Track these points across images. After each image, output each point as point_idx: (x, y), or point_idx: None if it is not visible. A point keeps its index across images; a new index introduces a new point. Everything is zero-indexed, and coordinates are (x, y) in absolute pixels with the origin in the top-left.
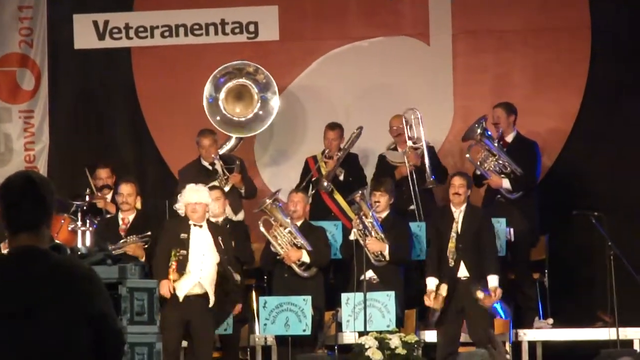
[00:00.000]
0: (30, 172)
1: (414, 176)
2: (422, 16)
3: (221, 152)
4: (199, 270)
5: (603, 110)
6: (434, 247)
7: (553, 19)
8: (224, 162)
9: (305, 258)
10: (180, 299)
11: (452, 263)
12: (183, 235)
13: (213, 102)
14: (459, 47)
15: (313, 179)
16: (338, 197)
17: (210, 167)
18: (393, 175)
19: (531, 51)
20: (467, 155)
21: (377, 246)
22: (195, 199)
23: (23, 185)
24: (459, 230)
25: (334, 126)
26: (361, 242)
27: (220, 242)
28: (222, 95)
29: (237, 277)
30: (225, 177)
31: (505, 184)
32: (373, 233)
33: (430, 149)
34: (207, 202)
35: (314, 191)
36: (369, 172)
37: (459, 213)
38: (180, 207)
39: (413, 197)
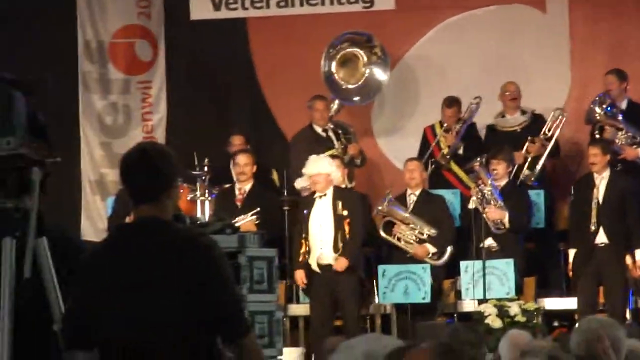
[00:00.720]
0: (146, 143)
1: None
2: None
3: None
4: (319, 242)
5: None
6: (575, 217)
7: None
8: (340, 129)
9: (432, 249)
10: (318, 271)
11: (593, 228)
12: (305, 212)
13: (328, 71)
14: (576, 15)
15: (432, 159)
16: (455, 168)
17: (323, 134)
18: (506, 142)
19: None
20: (597, 136)
21: (496, 214)
22: (315, 170)
23: (138, 157)
24: (601, 197)
25: (451, 103)
26: (480, 210)
27: (340, 206)
28: (334, 61)
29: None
30: (343, 145)
31: None
32: (492, 201)
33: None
34: (328, 172)
35: (433, 166)
36: None
37: (600, 179)
38: (301, 183)
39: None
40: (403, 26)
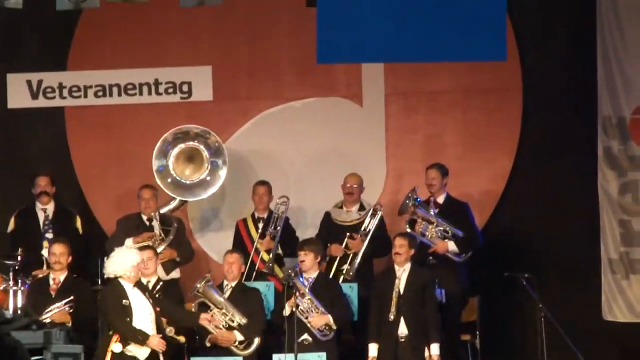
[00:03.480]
0: None
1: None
2: (354, 78)
3: (163, 210)
4: (151, 330)
5: (534, 171)
6: (376, 309)
7: (485, 81)
8: (162, 221)
9: (240, 337)
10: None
11: (391, 318)
12: (125, 302)
13: (163, 169)
14: (391, 108)
15: (255, 269)
16: (277, 270)
17: (147, 223)
18: (338, 234)
19: (462, 113)
20: (408, 229)
21: (321, 321)
22: (138, 259)
23: None
24: (401, 288)
25: (263, 182)
26: (302, 319)
27: (148, 298)
28: (171, 157)
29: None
30: (161, 237)
31: (452, 246)
32: (313, 309)
33: (381, 224)
34: (134, 263)
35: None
36: (302, 232)
37: (402, 271)
38: (117, 271)
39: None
40: (221, 117)
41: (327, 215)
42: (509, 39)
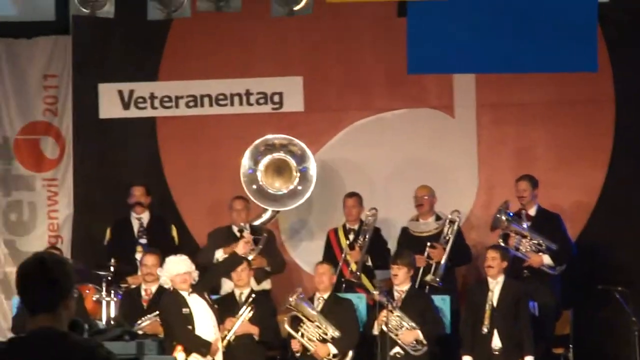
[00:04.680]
0: (44, 253)
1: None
2: (446, 89)
3: (255, 222)
4: (214, 335)
5: (627, 184)
6: (469, 321)
7: (576, 92)
8: (253, 232)
9: (333, 350)
10: None
11: (485, 331)
12: (185, 310)
13: (252, 173)
14: (483, 119)
15: (342, 278)
16: (365, 282)
17: (238, 234)
18: (417, 246)
19: (554, 124)
20: (502, 244)
21: (410, 336)
22: (184, 269)
23: (35, 267)
24: (495, 301)
25: (352, 194)
26: (392, 336)
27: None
28: (260, 167)
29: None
30: (251, 247)
31: (547, 260)
32: (404, 324)
33: (458, 232)
34: (190, 270)
35: (344, 285)
36: (394, 244)
37: (495, 284)
38: (166, 281)
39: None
40: (312, 127)
41: (404, 230)
42: (600, 50)
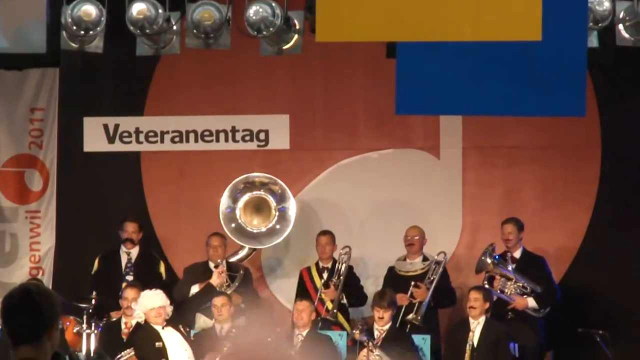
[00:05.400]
0: (29, 284)
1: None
2: (433, 130)
3: (232, 259)
4: None
5: (612, 229)
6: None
7: (563, 136)
8: (229, 269)
9: None
10: None
11: None
12: (158, 344)
13: (231, 212)
14: (469, 161)
15: (318, 317)
16: (342, 319)
17: (214, 270)
18: (402, 285)
19: (540, 167)
20: (487, 286)
21: None
22: (159, 303)
23: (20, 298)
24: (475, 341)
25: (325, 232)
26: None
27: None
28: (240, 205)
29: None
30: (227, 283)
31: (531, 303)
32: None
33: (443, 274)
34: (165, 305)
35: (320, 324)
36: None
37: (476, 324)
38: (139, 314)
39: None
40: (297, 165)
41: (391, 269)
42: (588, 95)
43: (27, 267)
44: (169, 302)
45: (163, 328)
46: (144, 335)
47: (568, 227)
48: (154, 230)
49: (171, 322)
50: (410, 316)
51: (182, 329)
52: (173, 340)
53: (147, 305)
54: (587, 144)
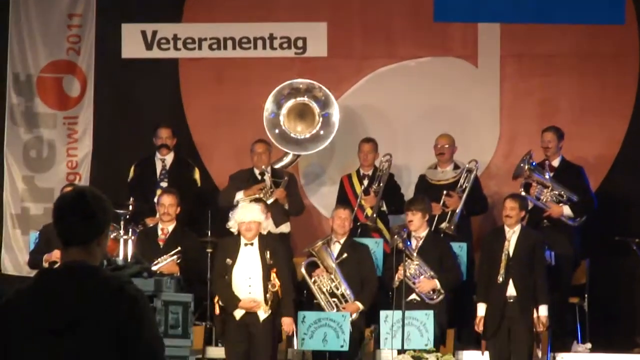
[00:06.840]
0: (85, 187)
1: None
2: (470, 38)
3: (277, 165)
4: (248, 294)
5: None
6: (485, 270)
7: (601, 44)
8: (274, 175)
9: (361, 306)
10: (237, 318)
11: (500, 280)
12: (228, 261)
13: (275, 117)
14: (507, 70)
15: (358, 222)
16: (381, 226)
17: (259, 177)
18: (434, 194)
19: (577, 76)
20: (523, 193)
21: (428, 286)
22: (250, 218)
23: (75, 200)
24: (511, 250)
25: (369, 139)
26: (410, 284)
27: (268, 256)
28: (283, 111)
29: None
30: (271, 190)
31: (567, 210)
32: (422, 273)
33: (475, 182)
34: (260, 220)
35: (359, 230)
36: (411, 190)
37: (511, 233)
38: (233, 225)
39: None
40: (335, 73)
41: (422, 177)
42: (627, 3)
43: (64, 173)
44: (263, 217)
45: (245, 245)
46: (224, 247)
47: (605, 136)
48: (191, 137)
49: (268, 245)
50: (443, 225)
51: (267, 255)
52: (247, 261)
53: (239, 217)
54: (625, 52)
